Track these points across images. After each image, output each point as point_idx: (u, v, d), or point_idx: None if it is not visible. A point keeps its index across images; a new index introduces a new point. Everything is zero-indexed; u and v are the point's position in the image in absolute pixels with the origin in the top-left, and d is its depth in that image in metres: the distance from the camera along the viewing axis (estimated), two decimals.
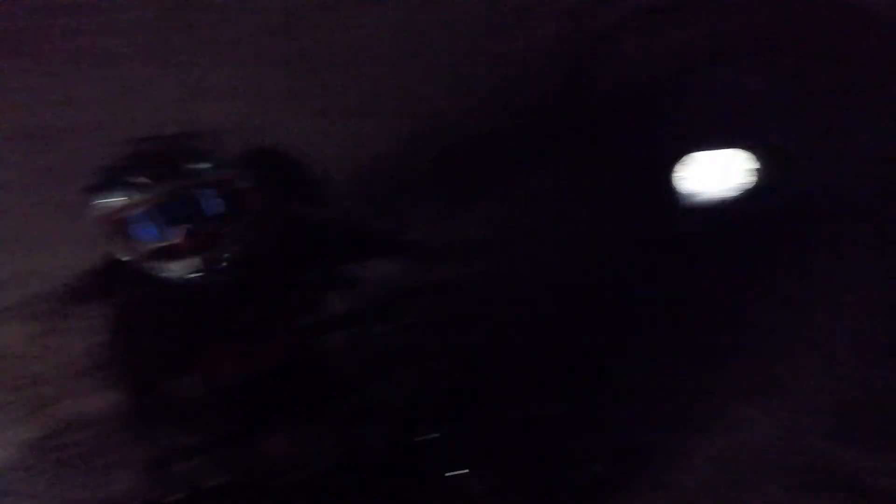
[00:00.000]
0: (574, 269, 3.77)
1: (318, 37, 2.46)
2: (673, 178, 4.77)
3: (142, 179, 1.20)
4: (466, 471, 2.22)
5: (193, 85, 2.30)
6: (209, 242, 1.29)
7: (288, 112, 2.73)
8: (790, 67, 3.86)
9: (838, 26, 3.22)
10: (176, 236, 1.25)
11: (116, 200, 1.21)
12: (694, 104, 4.57)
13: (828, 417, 2.20)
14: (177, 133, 1.38)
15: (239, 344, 1.59)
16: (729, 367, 2.86)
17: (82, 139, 2.18)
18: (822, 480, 1.88)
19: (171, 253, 1.26)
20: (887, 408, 2.06)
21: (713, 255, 4.07)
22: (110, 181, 1.23)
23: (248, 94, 2.54)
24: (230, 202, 1.33)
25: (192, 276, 1.31)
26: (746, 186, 5.07)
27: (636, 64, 3.84)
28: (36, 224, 2.39)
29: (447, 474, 2.20)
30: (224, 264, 1.36)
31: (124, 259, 1.29)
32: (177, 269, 1.29)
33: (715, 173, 5.37)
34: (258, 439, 1.98)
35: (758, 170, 4.93)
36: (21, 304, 2.58)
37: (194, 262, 1.29)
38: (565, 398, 3.07)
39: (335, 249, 2.11)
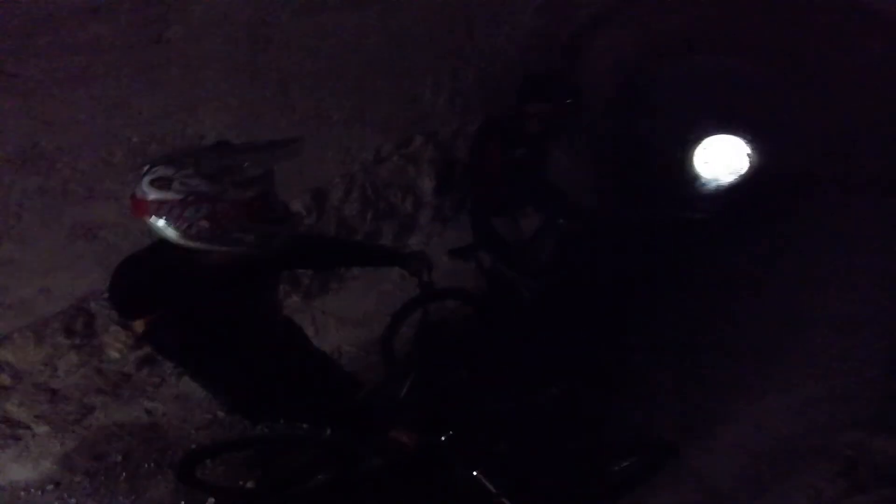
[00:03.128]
0: (591, 259, 3.62)
1: (294, 44, 2.38)
2: (680, 165, 4.63)
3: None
4: (484, 470, 2.13)
5: (172, 100, 2.24)
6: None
7: (276, 121, 2.65)
8: (775, 54, 3.65)
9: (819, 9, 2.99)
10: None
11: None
12: (682, 92, 4.40)
13: (866, 407, 1.97)
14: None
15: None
16: (752, 355, 2.66)
17: (76, 158, 2.15)
18: (865, 473, 1.67)
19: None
20: None
21: (725, 241, 3.88)
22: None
23: (231, 106, 2.47)
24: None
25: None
26: (746, 170, 4.90)
27: (620, 53, 3.69)
28: (42, 246, 2.36)
29: (473, 473, 2.11)
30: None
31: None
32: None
33: (716, 159, 5.21)
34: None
35: (755, 153, 4.75)
36: (32, 325, 2.54)
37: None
38: (584, 393, 2.93)
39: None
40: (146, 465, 3.20)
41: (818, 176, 3.87)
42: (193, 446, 3.22)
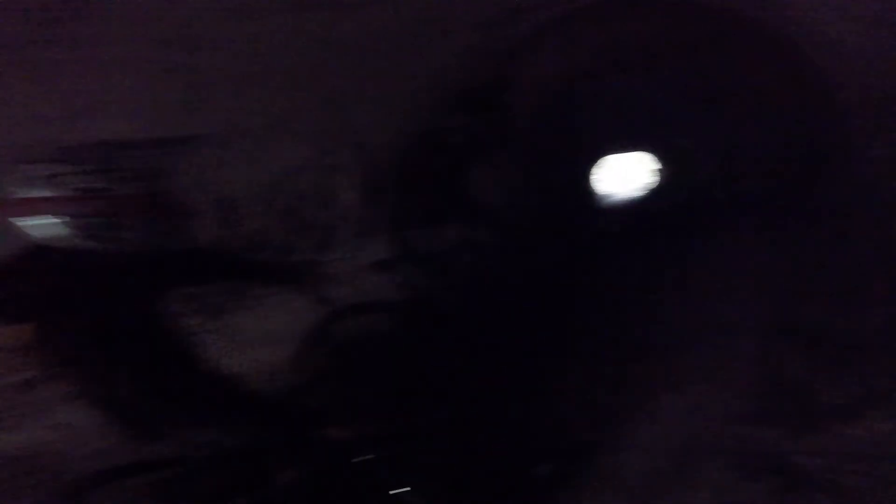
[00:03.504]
0: (506, 267, 3.77)
1: (221, 47, 2.24)
2: (590, 179, 5.03)
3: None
4: (408, 488, 2.15)
5: (77, 102, 2.01)
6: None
7: (187, 126, 2.47)
8: (682, 74, 4.13)
9: (722, 34, 3.46)
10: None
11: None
12: (600, 109, 4.79)
13: (749, 402, 2.30)
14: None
15: None
16: (656, 358, 2.96)
17: None
18: (756, 464, 1.95)
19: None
20: (797, 388, 2.19)
21: (630, 251, 4.28)
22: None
23: (140, 110, 2.26)
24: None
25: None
26: (651, 185, 5.49)
27: (548, 72, 3.93)
28: None
29: (391, 492, 2.11)
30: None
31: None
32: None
33: (623, 174, 5.75)
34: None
35: (660, 169, 5.33)
36: None
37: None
38: (501, 402, 3.05)
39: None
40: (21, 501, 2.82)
41: (713, 194, 4.43)
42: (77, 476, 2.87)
